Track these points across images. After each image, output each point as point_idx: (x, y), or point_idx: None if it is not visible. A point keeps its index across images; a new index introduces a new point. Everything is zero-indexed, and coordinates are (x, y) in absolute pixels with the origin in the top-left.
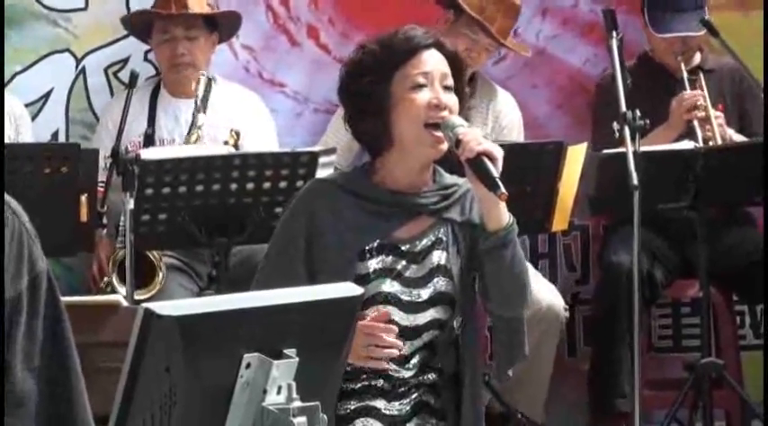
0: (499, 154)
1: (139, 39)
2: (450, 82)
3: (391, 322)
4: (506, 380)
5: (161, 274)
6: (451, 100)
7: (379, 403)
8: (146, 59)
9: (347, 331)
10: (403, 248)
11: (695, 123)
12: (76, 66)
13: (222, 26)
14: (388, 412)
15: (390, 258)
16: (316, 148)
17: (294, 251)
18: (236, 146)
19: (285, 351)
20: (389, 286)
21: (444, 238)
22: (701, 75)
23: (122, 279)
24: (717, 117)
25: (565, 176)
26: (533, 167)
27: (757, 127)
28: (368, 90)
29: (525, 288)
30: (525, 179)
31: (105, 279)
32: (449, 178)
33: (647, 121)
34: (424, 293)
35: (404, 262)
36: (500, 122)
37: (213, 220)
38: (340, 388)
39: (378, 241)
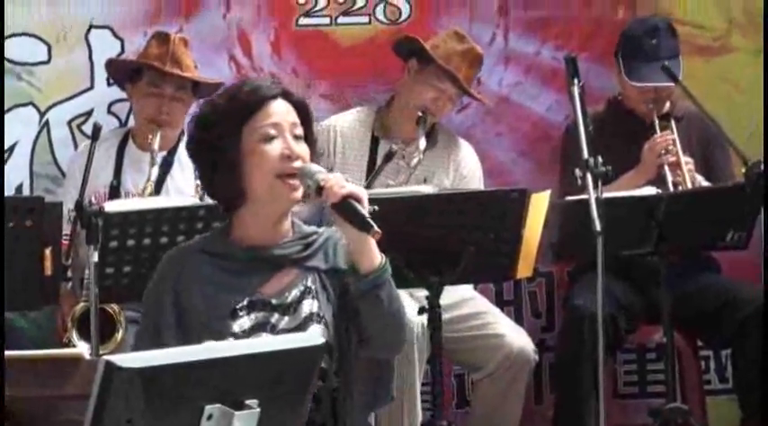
0: (364, 194)
1: (118, 86)
2: (299, 131)
3: None
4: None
5: (121, 330)
6: (303, 149)
7: None
8: (109, 112)
9: (309, 380)
10: (273, 302)
11: (666, 168)
12: (40, 120)
13: (205, 90)
14: None
15: (262, 313)
16: None
17: (165, 318)
18: (201, 199)
19: (247, 402)
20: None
21: (312, 286)
22: (672, 123)
23: (82, 335)
24: (687, 162)
25: (529, 223)
26: (498, 215)
27: (721, 173)
28: (217, 144)
29: (404, 327)
30: (489, 226)
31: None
32: (308, 228)
33: (610, 168)
34: None
35: (276, 315)
36: (461, 172)
37: None
38: None
39: (247, 298)
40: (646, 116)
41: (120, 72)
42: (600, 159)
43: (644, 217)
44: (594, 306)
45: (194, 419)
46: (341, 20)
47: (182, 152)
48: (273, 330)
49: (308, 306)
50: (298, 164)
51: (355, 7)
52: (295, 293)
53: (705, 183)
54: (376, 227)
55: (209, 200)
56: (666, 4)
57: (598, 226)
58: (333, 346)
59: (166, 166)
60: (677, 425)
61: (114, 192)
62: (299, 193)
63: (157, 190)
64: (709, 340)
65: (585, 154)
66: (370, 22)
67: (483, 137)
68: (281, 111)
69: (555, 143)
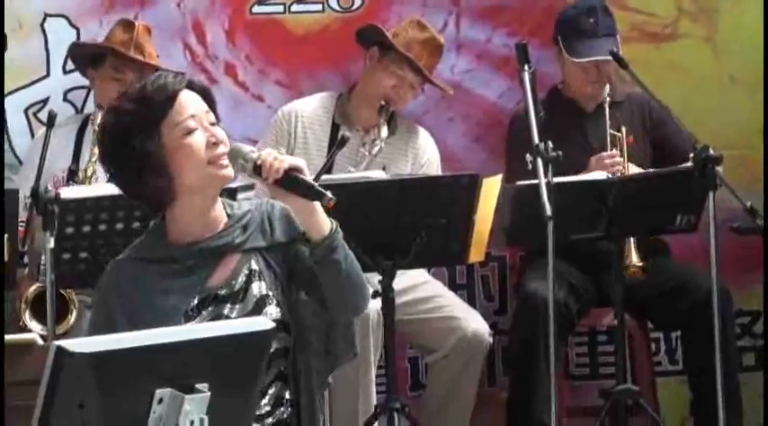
0: (303, 164)
1: (80, 71)
2: (212, 117)
3: None
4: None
5: (75, 311)
6: (222, 133)
7: None
8: (65, 100)
9: (258, 364)
10: (222, 293)
11: None
12: None
13: None
14: None
15: (214, 308)
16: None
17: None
18: None
19: (197, 386)
20: None
21: (257, 268)
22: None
23: (34, 316)
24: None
25: (480, 208)
26: (449, 200)
27: (682, 146)
28: (138, 150)
29: (364, 286)
30: (441, 211)
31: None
32: (238, 207)
33: (560, 153)
34: None
35: (228, 306)
36: (419, 160)
37: None
38: None
39: (197, 297)
40: (586, 102)
41: (84, 56)
42: (550, 144)
43: (594, 201)
44: (546, 292)
45: (145, 403)
46: (294, 8)
47: None
48: (228, 319)
49: (257, 288)
50: (222, 148)
51: None
52: (241, 279)
53: None
54: (329, 194)
55: None
56: None
57: (549, 211)
58: (288, 322)
59: None
60: (628, 406)
61: (72, 176)
62: (230, 171)
63: None
64: (660, 322)
65: (536, 139)
66: (323, 10)
67: (435, 123)
68: (193, 102)
69: (506, 129)
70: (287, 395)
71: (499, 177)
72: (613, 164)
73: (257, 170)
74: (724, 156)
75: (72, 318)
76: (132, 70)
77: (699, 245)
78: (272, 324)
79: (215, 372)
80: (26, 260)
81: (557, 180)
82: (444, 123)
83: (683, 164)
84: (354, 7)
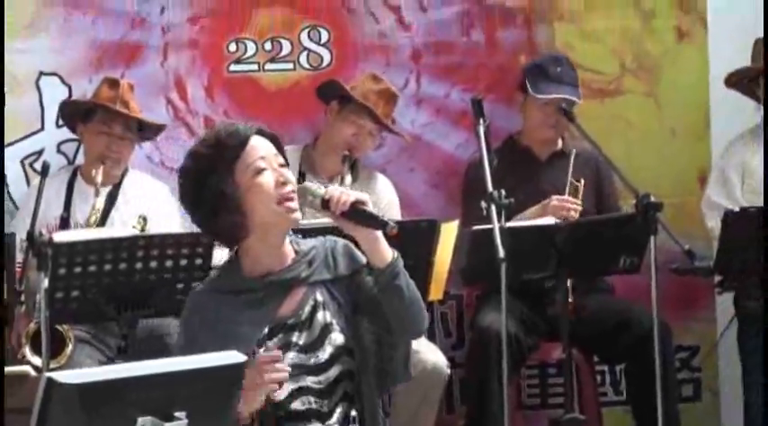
0: (367, 197)
1: (69, 126)
2: (281, 159)
3: (302, 389)
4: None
5: (70, 345)
6: (290, 174)
7: None
8: (58, 151)
9: (232, 394)
10: (290, 322)
11: None
12: None
13: (149, 132)
14: None
15: (283, 335)
16: None
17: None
18: (143, 229)
19: (176, 414)
20: (293, 358)
21: (321, 299)
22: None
23: (35, 351)
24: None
25: (439, 250)
26: (410, 243)
27: (609, 204)
28: (214, 189)
29: (423, 310)
30: (403, 253)
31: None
32: (304, 244)
33: (512, 200)
34: (324, 353)
35: (296, 333)
36: (380, 204)
37: (121, 296)
38: None
39: (267, 326)
40: (540, 150)
41: (74, 112)
42: (503, 192)
43: (544, 244)
44: (499, 326)
45: None
46: (268, 66)
47: (126, 186)
48: (296, 347)
49: (322, 317)
50: (290, 187)
51: (281, 55)
52: (307, 309)
53: None
54: (392, 223)
55: (150, 231)
56: (563, 50)
57: (501, 253)
58: (352, 347)
59: (112, 200)
60: None
61: (64, 224)
62: (299, 213)
63: (103, 221)
64: (605, 356)
65: (490, 187)
66: (294, 69)
67: (397, 172)
68: (262, 146)
69: (463, 178)
70: (353, 413)
71: (456, 222)
72: (575, 209)
73: (325, 204)
74: (664, 203)
75: (68, 351)
76: (119, 124)
77: (641, 285)
78: (243, 358)
79: (192, 401)
80: (23, 298)
81: (509, 224)
82: (405, 172)
83: (627, 212)
84: (323, 66)
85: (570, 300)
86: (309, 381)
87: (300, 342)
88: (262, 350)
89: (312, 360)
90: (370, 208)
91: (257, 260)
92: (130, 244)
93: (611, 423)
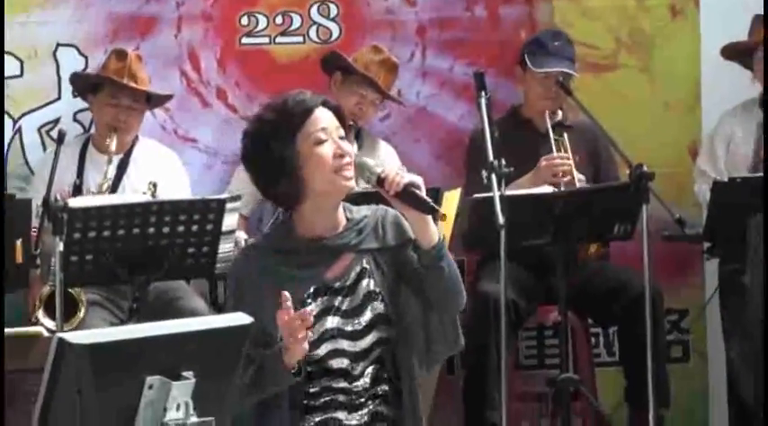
0: (420, 181)
1: (81, 97)
2: (342, 132)
3: (337, 351)
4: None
5: (83, 308)
6: (348, 146)
7: (341, 415)
8: (74, 120)
9: (238, 355)
10: (335, 286)
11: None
12: (13, 126)
13: (157, 101)
14: (348, 423)
15: (327, 298)
16: (223, 196)
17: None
18: (153, 195)
19: (183, 374)
20: (331, 322)
21: (368, 267)
22: (565, 138)
23: (48, 314)
24: (579, 180)
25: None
26: None
27: (612, 175)
28: (276, 155)
29: (462, 289)
30: None
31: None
32: (356, 212)
33: (512, 169)
34: (363, 319)
35: (339, 298)
36: None
37: (134, 260)
38: (305, 404)
39: (313, 287)
40: (540, 122)
41: (84, 85)
42: (503, 162)
43: (542, 212)
44: (498, 292)
45: (137, 389)
46: (279, 39)
47: (136, 154)
48: (338, 312)
49: (366, 284)
50: (347, 159)
51: (292, 28)
52: (353, 275)
53: None
54: (441, 210)
55: (160, 197)
56: (561, 27)
57: (501, 220)
58: (391, 316)
59: (122, 167)
60: (570, 393)
61: (77, 190)
62: (353, 183)
63: (114, 188)
64: (599, 319)
65: (491, 157)
66: (304, 42)
67: (403, 142)
68: (325, 117)
69: (466, 148)
70: (384, 375)
71: (458, 190)
72: (562, 163)
73: (380, 182)
74: (656, 174)
75: (81, 314)
76: (126, 95)
77: (634, 251)
78: (250, 320)
79: (199, 361)
80: (38, 262)
81: (509, 193)
82: (411, 143)
83: (621, 181)
84: (332, 39)
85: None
86: (345, 344)
87: (343, 307)
88: (310, 308)
89: (350, 327)
90: (422, 191)
91: (310, 224)
92: (143, 209)
93: (604, 383)
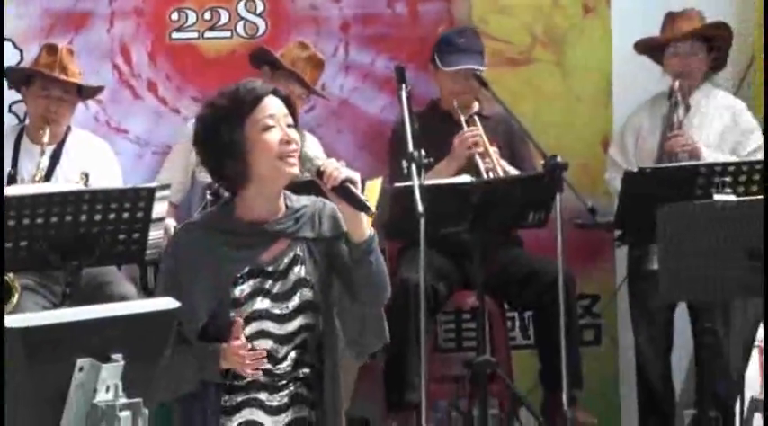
0: (357, 178)
1: (15, 89)
2: (290, 120)
3: (263, 332)
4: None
5: (17, 294)
6: (295, 134)
7: (262, 396)
8: (9, 111)
9: (165, 338)
10: (268, 269)
11: (477, 157)
12: None
13: (88, 93)
14: (269, 403)
15: (259, 280)
16: (153, 185)
17: (174, 284)
18: (86, 185)
19: (112, 356)
20: (261, 303)
21: (301, 254)
22: (477, 119)
23: None
24: (495, 151)
25: None
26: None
27: (526, 163)
28: (225, 138)
29: (387, 285)
30: None
31: None
32: (297, 201)
33: (431, 159)
34: (291, 304)
35: (270, 281)
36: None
37: (66, 247)
38: (229, 384)
39: (247, 268)
40: (458, 116)
41: (17, 78)
42: (423, 152)
43: (460, 201)
44: (418, 278)
45: (68, 371)
46: (207, 34)
47: (69, 145)
48: (268, 294)
49: (298, 271)
50: (293, 146)
51: (220, 24)
52: (286, 261)
53: (511, 169)
54: (372, 208)
55: (92, 186)
56: (479, 23)
57: (421, 209)
58: (319, 304)
59: (55, 157)
60: (487, 374)
61: (11, 179)
62: (296, 169)
63: (48, 177)
64: (515, 303)
65: (411, 148)
66: (231, 37)
67: (327, 133)
68: (274, 105)
69: (388, 139)
70: (306, 359)
71: (379, 179)
72: (473, 135)
73: (319, 174)
74: (570, 164)
75: (14, 300)
76: (57, 87)
77: (548, 239)
78: (176, 304)
79: (128, 344)
80: None
81: (428, 182)
82: (335, 134)
83: (536, 171)
84: (258, 34)
85: None
86: (272, 326)
87: (273, 291)
88: (237, 289)
89: (278, 310)
90: (358, 188)
91: (251, 207)
92: (76, 197)
93: (520, 365)
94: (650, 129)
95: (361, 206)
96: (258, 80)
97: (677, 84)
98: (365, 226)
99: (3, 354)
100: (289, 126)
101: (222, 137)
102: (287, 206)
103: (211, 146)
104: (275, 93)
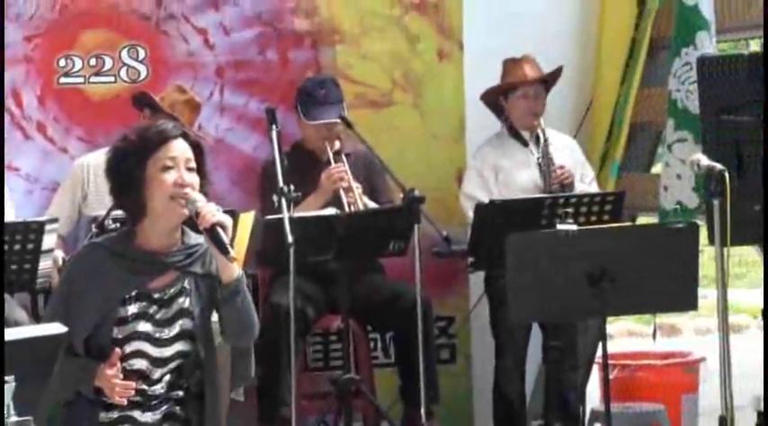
0: (229, 222)
1: None
2: (192, 164)
3: (139, 352)
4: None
5: None
6: (193, 178)
7: (136, 414)
8: None
9: (53, 358)
10: (155, 296)
11: (341, 192)
12: None
13: None
14: (143, 420)
15: (145, 304)
16: (42, 218)
17: (63, 300)
18: None
19: (5, 378)
20: (143, 326)
21: (188, 287)
22: (344, 157)
23: None
24: (357, 187)
25: (237, 237)
26: None
27: (383, 196)
28: (128, 171)
29: (255, 325)
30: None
31: None
32: (194, 238)
33: (299, 194)
34: (171, 331)
35: (155, 307)
36: None
37: None
38: (105, 402)
39: (135, 291)
40: (321, 154)
41: None
42: (292, 187)
43: (327, 231)
44: (288, 302)
45: None
46: (93, 79)
47: None
48: (151, 319)
49: (182, 302)
50: (188, 190)
51: (104, 69)
52: (173, 291)
53: (371, 203)
54: (232, 253)
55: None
56: (343, 68)
57: (290, 239)
58: (198, 335)
59: None
60: (351, 391)
61: None
62: (185, 211)
63: None
64: (377, 326)
65: (281, 183)
66: (115, 81)
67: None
68: (179, 148)
69: (259, 175)
70: (181, 383)
71: (252, 213)
72: (338, 171)
73: (196, 216)
74: (426, 197)
75: None
76: None
77: (407, 266)
78: (64, 329)
79: (19, 366)
80: None
81: (296, 214)
82: (211, 171)
83: (396, 204)
84: (140, 79)
85: None
86: (150, 349)
87: (156, 316)
88: (122, 310)
89: (158, 334)
90: (226, 234)
91: (148, 238)
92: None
93: (382, 382)
94: (514, 165)
95: (222, 249)
96: (172, 123)
97: (542, 121)
98: (233, 268)
99: (3, 362)
100: (189, 169)
101: (126, 170)
102: (183, 241)
103: (116, 178)
104: (185, 136)
